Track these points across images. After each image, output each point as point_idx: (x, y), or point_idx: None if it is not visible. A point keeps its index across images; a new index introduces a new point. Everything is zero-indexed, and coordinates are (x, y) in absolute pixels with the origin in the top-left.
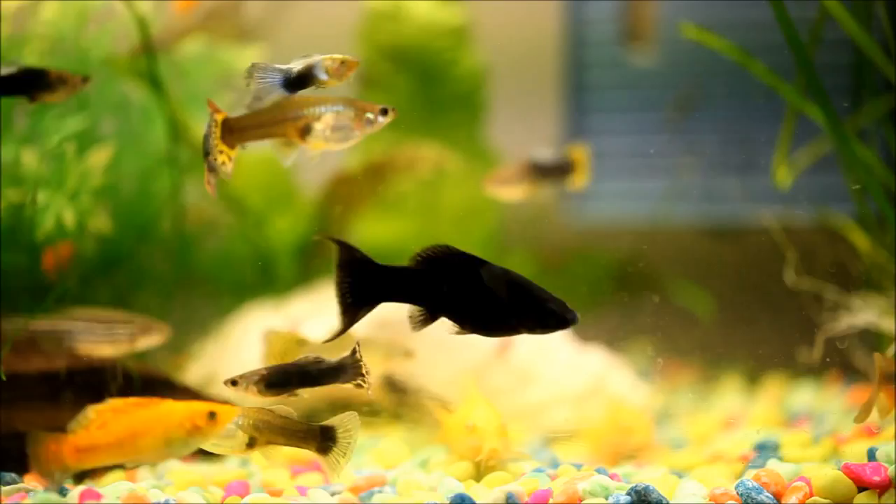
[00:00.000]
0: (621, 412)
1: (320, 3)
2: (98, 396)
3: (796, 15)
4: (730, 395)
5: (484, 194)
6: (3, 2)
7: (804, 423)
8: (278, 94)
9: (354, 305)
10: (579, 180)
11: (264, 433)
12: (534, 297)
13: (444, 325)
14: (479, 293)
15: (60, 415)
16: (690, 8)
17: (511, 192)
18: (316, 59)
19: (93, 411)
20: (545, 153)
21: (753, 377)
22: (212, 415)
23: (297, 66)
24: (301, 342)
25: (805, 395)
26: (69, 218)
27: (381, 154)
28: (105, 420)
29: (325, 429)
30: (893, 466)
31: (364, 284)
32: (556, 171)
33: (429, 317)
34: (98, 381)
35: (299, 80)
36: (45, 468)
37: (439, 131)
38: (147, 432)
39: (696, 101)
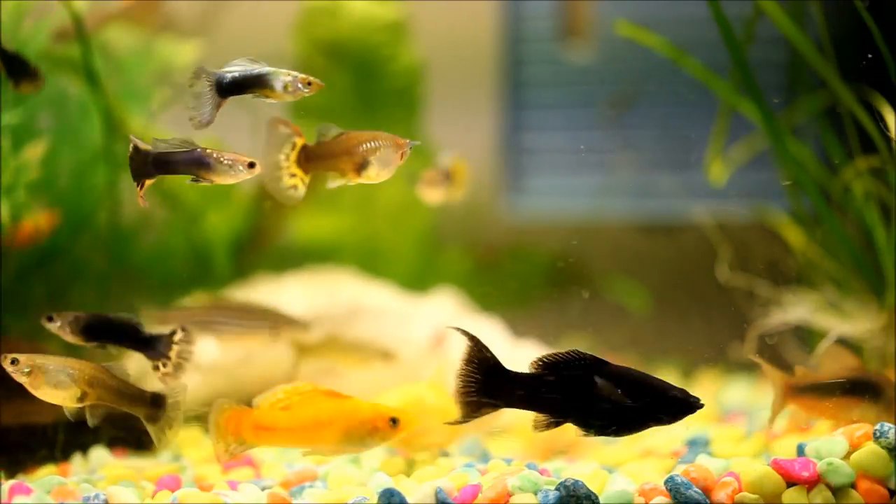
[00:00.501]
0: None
1: None
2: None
3: (732, 12)
4: None
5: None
6: None
7: (737, 419)
8: (214, 98)
9: (475, 404)
10: (456, 192)
11: (96, 389)
12: (656, 391)
13: (375, 320)
14: (600, 397)
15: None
16: (628, 4)
17: (435, 195)
18: (268, 68)
19: (282, 391)
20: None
21: (687, 372)
22: (394, 421)
23: (238, 70)
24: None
25: (739, 391)
26: (4, 212)
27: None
28: (291, 402)
29: (155, 396)
30: (822, 462)
31: (488, 385)
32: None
33: (553, 423)
34: None
35: (236, 86)
36: (222, 438)
37: (376, 127)
38: (329, 424)
39: (632, 97)
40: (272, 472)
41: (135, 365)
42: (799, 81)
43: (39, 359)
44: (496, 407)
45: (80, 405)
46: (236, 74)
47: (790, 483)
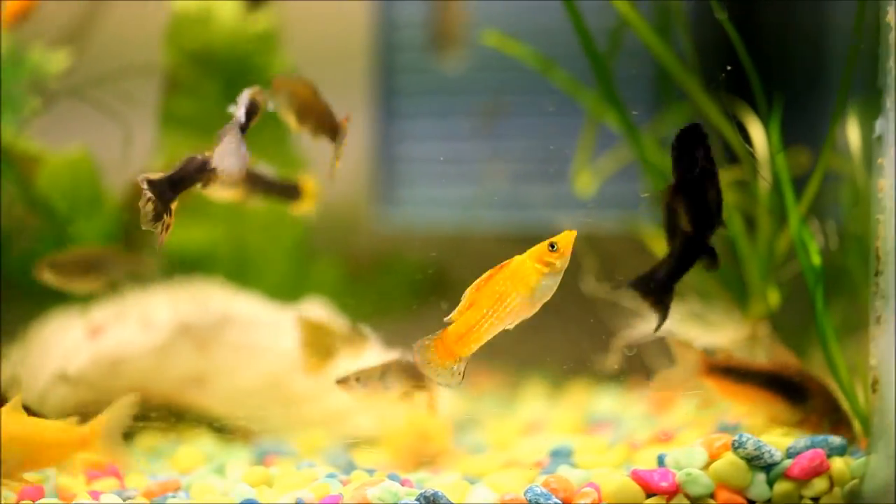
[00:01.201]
0: (420, 418)
1: (129, 4)
2: None
3: (601, 24)
4: (533, 401)
5: None
6: None
7: (602, 430)
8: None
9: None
10: (305, 207)
11: None
12: None
13: (245, 330)
14: None
15: None
16: (502, 14)
17: (226, 194)
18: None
19: (465, 294)
20: (267, 170)
21: (556, 384)
22: (552, 246)
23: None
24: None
25: (606, 402)
26: None
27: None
28: (472, 299)
29: None
30: (681, 472)
31: None
32: (281, 191)
33: None
34: None
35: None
36: (440, 369)
37: (246, 136)
38: (510, 289)
39: (503, 108)
40: (135, 483)
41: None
42: (666, 93)
43: None
44: None
45: None
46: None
47: (650, 494)
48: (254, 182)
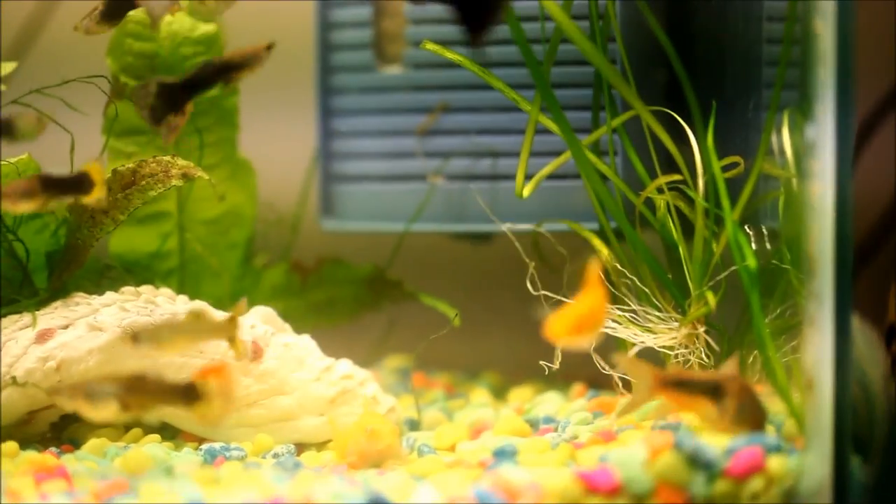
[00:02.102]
0: (368, 418)
1: (71, 8)
2: None
3: (546, 27)
4: (479, 407)
5: (237, 203)
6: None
7: (545, 432)
8: None
9: None
10: (96, 195)
11: None
12: None
13: None
14: None
15: None
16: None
17: (26, 206)
18: None
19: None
20: (57, 170)
21: (500, 388)
22: None
23: None
24: None
25: (549, 405)
26: None
27: (129, 164)
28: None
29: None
30: (623, 471)
31: None
32: (71, 187)
33: None
34: None
35: None
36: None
37: (191, 140)
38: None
39: (445, 109)
40: (83, 484)
41: None
42: (606, 100)
43: None
44: None
45: None
46: None
47: (592, 492)
48: (46, 186)
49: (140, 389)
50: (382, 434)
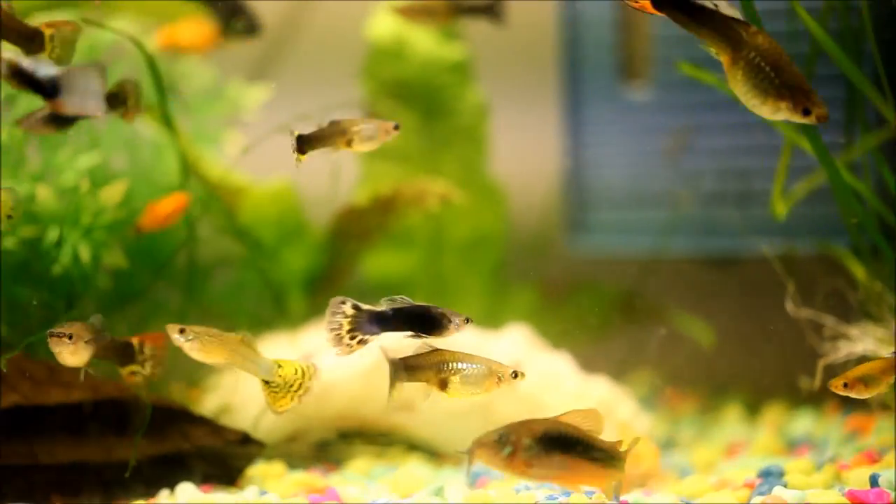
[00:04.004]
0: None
1: (327, 37)
2: (121, 428)
3: (793, 51)
4: (731, 424)
5: (487, 225)
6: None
7: (804, 451)
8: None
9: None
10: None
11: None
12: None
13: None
14: None
15: (83, 447)
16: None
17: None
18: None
19: None
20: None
21: (754, 406)
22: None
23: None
24: None
25: (805, 423)
26: (85, 253)
27: (389, 188)
28: None
29: None
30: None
31: None
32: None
33: None
34: (120, 413)
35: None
36: None
37: (443, 165)
38: None
39: (692, 133)
40: None
41: None
42: (858, 118)
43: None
44: None
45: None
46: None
47: None
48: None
49: None
50: (644, 455)
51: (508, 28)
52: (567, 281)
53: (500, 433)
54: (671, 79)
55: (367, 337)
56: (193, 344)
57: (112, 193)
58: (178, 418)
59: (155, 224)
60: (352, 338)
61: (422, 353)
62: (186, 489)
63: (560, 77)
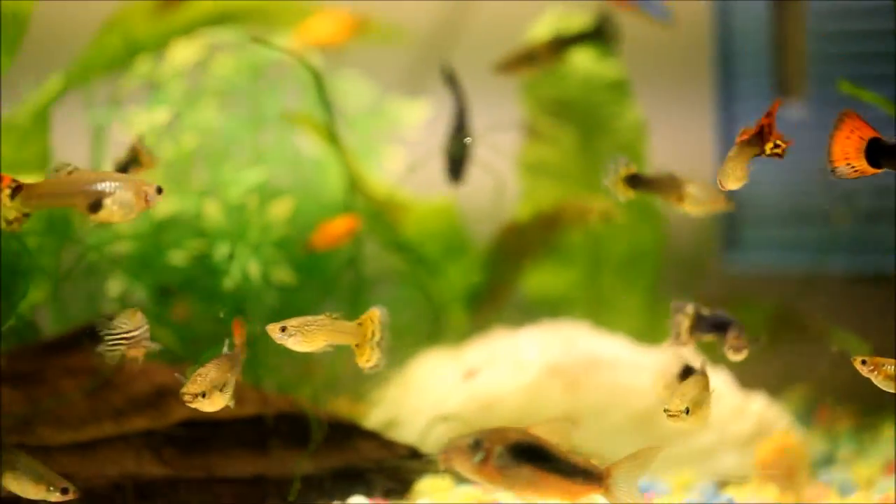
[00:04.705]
0: (789, 452)
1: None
2: (301, 442)
3: None
4: (888, 441)
5: (645, 242)
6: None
7: None
8: None
9: None
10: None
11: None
12: None
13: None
14: None
15: (258, 460)
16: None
17: None
18: None
19: None
20: None
21: None
22: None
23: None
24: None
25: None
26: (254, 269)
27: (550, 205)
28: None
29: None
30: None
31: None
32: None
33: None
34: (298, 428)
35: None
36: None
37: (601, 183)
38: None
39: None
40: None
41: None
42: None
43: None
44: None
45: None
46: None
47: None
48: None
49: None
50: (801, 470)
51: (664, 44)
52: (723, 297)
53: (475, 438)
54: (829, 97)
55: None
56: (297, 338)
57: (280, 210)
58: (348, 433)
59: (327, 243)
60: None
61: None
62: (357, 501)
63: (715, 94)
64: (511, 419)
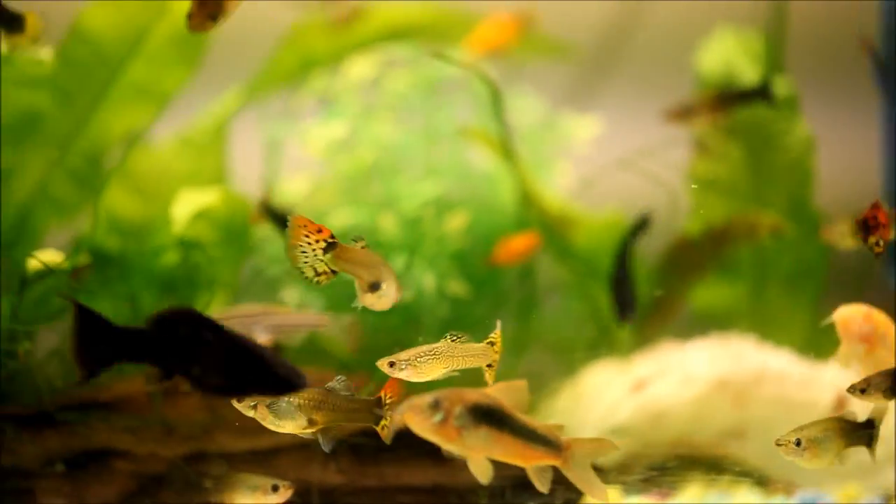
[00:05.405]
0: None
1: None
2: None
3: None
4: None
5: (811, 257)
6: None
7: None
8: None
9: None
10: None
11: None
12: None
13: (779, 385)
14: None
15: (442, 470)
16: None
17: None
18: None
19: None
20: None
21: None
22: None
23: None
24: None
25: None
26: (429, 281)
27: (720, 220)
28: None
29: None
30: None
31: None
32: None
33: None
34: None
35: None
36: None
37: (770, 197)
38: None
39: None
40: None
41: None
42: None
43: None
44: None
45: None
46: None
47: None
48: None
49: None
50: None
51: (830, 57)
52: (888, 312)
53: (434, 398)
54: None
55: None
56: (408, 371)
57: (456, 222)
58: None
59: (508, 259)
60: None
61: None
62: None
63: (883, 110)
64: (680, 431)
